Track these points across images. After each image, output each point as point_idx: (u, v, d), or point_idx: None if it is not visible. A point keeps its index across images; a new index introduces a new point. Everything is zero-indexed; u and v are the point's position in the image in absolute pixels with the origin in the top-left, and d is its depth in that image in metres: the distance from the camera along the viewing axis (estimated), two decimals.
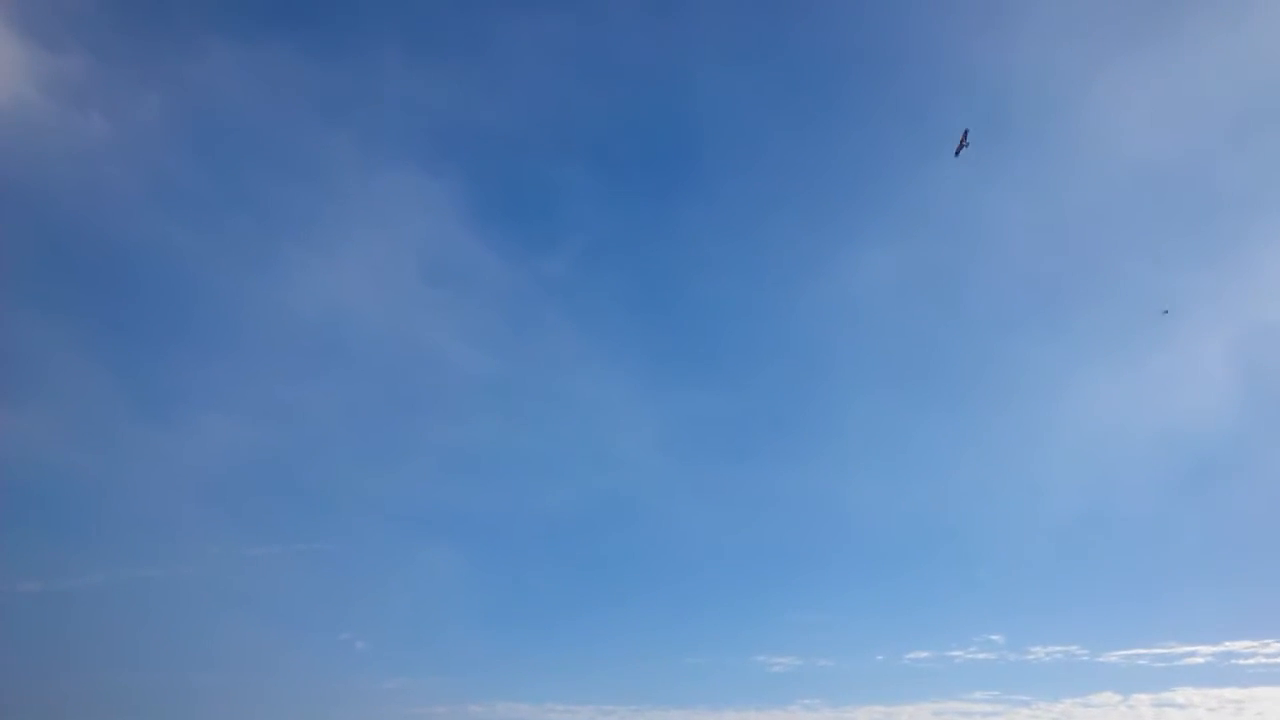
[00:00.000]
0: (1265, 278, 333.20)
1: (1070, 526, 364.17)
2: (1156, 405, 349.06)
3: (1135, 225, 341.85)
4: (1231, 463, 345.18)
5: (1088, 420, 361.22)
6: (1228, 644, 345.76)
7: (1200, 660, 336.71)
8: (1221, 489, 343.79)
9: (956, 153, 32.78)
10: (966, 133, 32.21)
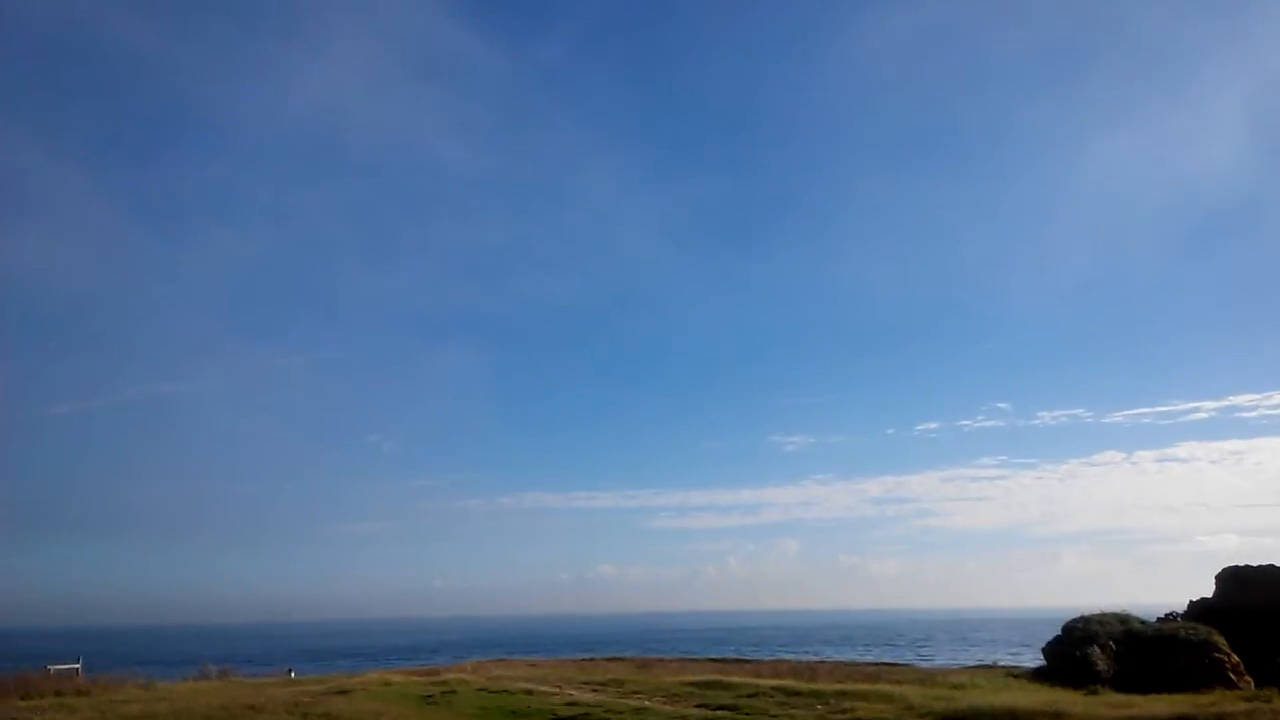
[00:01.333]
0: (1278, 26, 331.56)
1: (1078, 291, 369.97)
2: (1166, 164, 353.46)
3: None
4: (1239, 219, 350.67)
5: (1097, 182, 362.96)
6: (1231, 398, 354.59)
7: (1204, 415, 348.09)
8: (1228, 246, 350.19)
9: None
10: None
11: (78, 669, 41.77)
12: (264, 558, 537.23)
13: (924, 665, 60.69)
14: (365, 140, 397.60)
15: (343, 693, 32.72)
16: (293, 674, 47.77)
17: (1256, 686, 34.38)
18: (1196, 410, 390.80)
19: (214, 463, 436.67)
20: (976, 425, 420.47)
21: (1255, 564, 45.88)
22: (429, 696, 32.18)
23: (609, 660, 63.20)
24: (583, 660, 64.07)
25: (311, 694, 32.20)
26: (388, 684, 37.18)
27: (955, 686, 34.06)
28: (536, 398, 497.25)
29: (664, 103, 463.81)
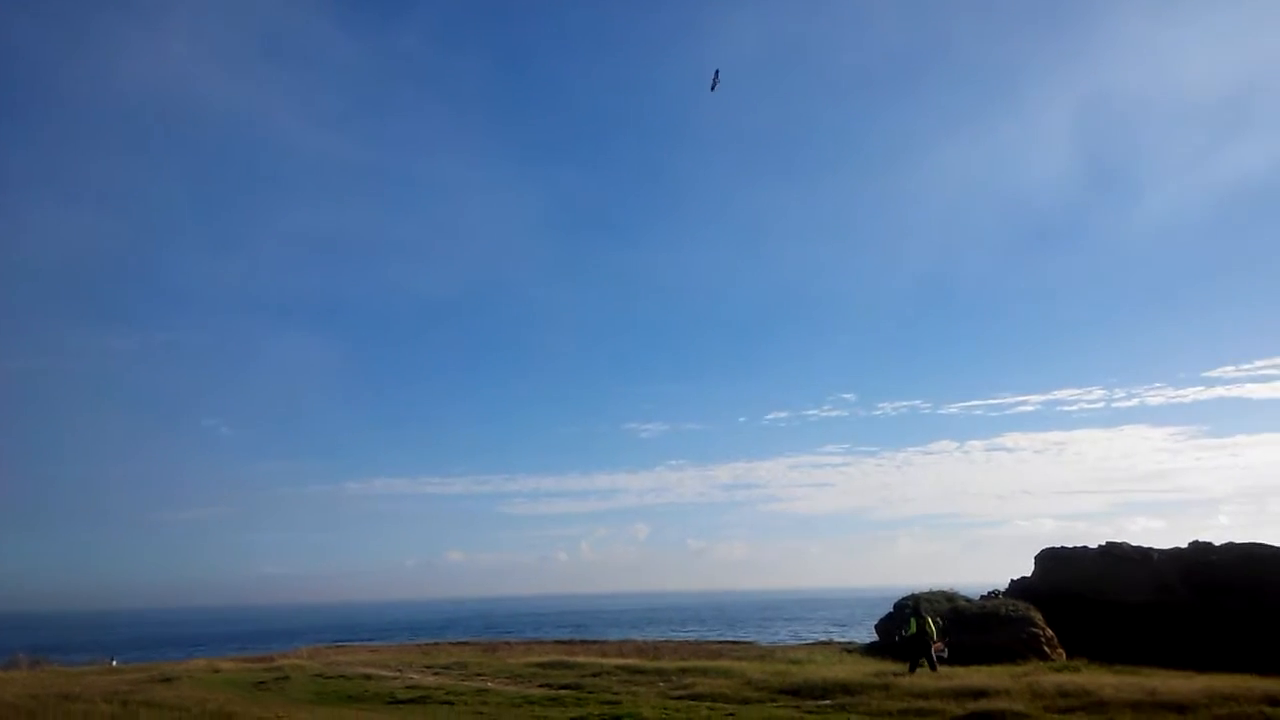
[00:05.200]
0: (1105, 46, 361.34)
1: (917, 290, 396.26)
2: (999, 172, 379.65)
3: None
4: (1064, 226, 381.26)
5: (935, 187, 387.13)
6: (1055, 393, 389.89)
7: (1030, 408, 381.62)
8: (1053, 252, 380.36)
9: (712, 88, 34.77)
10: (717, 72, 34.30)
11: None
12: (90, 543, 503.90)
13: (765, 643, 62.46)
14: (209, 119, 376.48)
15: (166, 680, 30.94)
16: (115, 663, 44.99)
17: (1068, 658, 37.07)
18: (1023, 403, 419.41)
19: (37, 446, 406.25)
20: (823, 414, 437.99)
21: (1070, 545, 49.46)
22: (260, 683, 30.80)
23: (454, 644, 62.27)
24: (426, 645, 62.86)
25: (132, 682, 30.33)
26: (216, 671, 35.46)
27: (793, 662, 35.21)
28: (390, 385, 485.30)
29: (524, 96, 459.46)
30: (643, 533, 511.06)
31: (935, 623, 29.87)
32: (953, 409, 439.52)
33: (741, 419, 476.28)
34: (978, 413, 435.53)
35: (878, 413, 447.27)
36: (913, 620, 29.45)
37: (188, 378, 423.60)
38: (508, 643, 63.30)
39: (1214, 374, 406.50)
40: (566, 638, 75.82)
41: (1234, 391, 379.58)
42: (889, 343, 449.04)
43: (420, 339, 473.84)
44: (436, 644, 63.69)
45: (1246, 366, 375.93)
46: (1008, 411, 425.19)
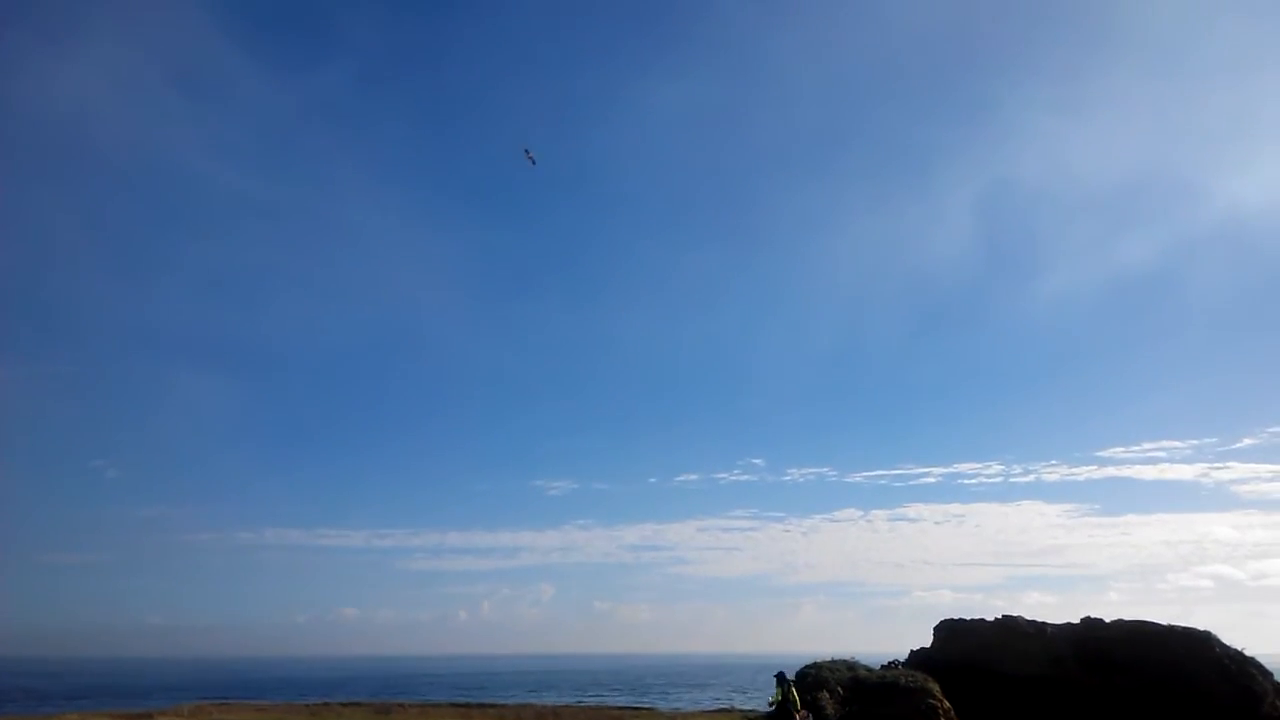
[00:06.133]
0: (1010, 137, 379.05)
1: (826, 360, 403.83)
2: (905, 250, 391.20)
3: (900, 81, 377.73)
4: (965, 307, 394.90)
5: (845, 262, 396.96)
6: (956, 466, 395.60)
7: (932, 480, 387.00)
8: (955, 330, 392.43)
9: (532, 164, 36.11)
10: (528, 151, 35.75)
11: None
12: None
13: (666, 709, 61.48)
14: (112, 148, 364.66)
15: None
16: None
17: None
18: (926, 475, 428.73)
19: None
20: (733, 479, 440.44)
21: (968, 617, 50.16)
22: None
23: (345, 705, 59.67)
24: (316, 705, 60.09)
25: None
26: None
27: None
28: (288, 430, 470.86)
29: (448, 148, 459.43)
30: (548, 593, 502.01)
31: (795, 694, 29.97)
32: (858, 478, 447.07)
33: (652, 479, 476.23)
34: (882, 482, 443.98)
35: (786, 478, 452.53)
36: (777, 689, 29.57)
37: (72, 414, 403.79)
38: (402, 704, 60.93)
39: (1106, 453, 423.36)
40: (464, 700, 73.40)
41: (1124, 471, 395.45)
42: (798, 410, 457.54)
43: (323, 384, 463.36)
44: (326, 704, 60.93)
45: (1135, 448, 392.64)
46: (911, 483, 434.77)
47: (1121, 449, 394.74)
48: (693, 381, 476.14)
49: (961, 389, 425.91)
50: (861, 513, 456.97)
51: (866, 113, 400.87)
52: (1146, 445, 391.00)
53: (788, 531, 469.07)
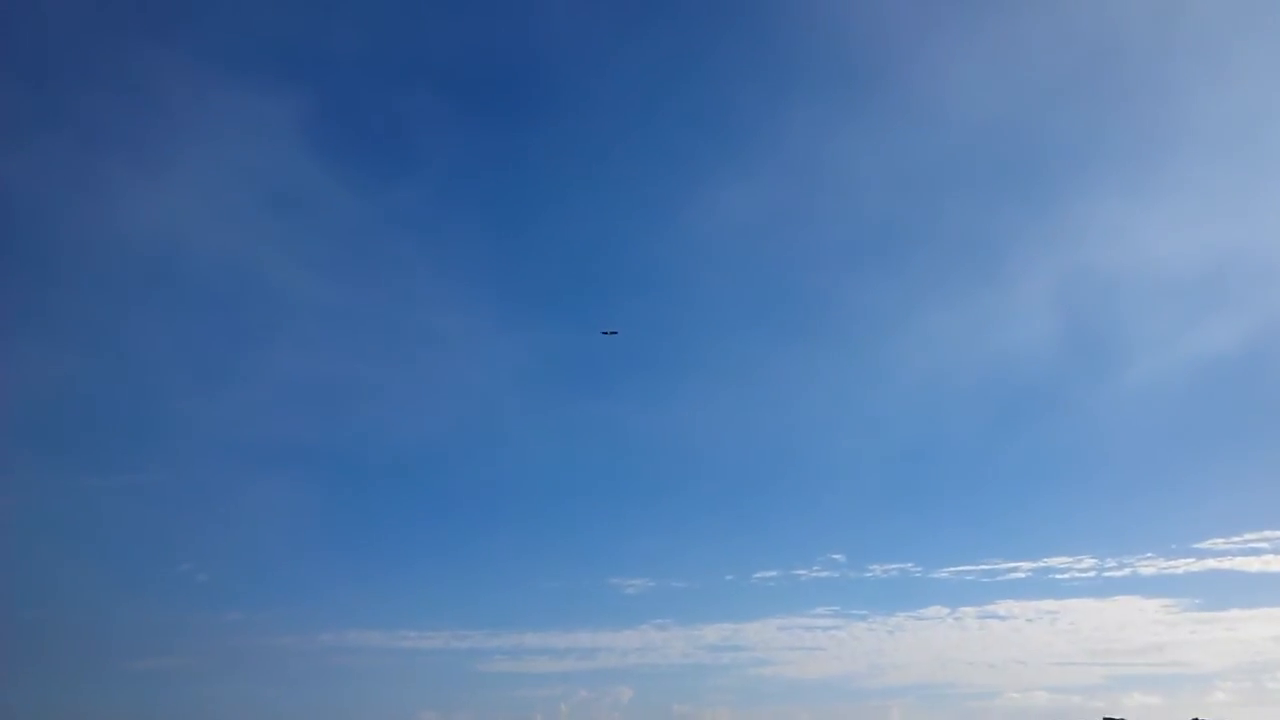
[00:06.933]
0: (1083, 224, 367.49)
1: (905, 454, 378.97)
2: (981, 342, 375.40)
3: (967, 173, 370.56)
4: (1047, 397, 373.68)
5: (920, 355, 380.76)
6: (1046, 560, 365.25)
7: (1021, 575, 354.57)
8: (1038, 420, 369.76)
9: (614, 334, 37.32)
10: (606, 332, 36.97)
11: None
12: (44, 693, 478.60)
13: None
14: (205, 267, 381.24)
15: None
16: None
17: None
18: (1015, 570, 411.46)
19: (8, 585, 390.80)
20: (813, 575, 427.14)
21: None
22: None
23: None
24: None
25: None
26: None
27: None
28: (367, 533, 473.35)
29: (519, 252, 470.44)
30: (626, 695, 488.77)
31: None
32: (943, 573, 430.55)
33: (729, 577, 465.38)
34: (969, 578, 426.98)
35: (868, 574, 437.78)
36: None
37: (162, 521, 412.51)
38: None
39: (1203, 545, 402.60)
40: None
41: (1225, 564, 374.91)
42: (877, 503, 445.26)
43: (402, 487, 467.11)
44: None
45: (1236, 539, 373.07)
46: (999, 578, 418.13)
47: (1221, 540, 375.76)
48: (770, 478, 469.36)
49: (1046, 480, 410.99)
50: (949, 610, 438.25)
51: (934, 206, 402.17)
52: (1248, 536, 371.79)
53: (872, 630, 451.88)
